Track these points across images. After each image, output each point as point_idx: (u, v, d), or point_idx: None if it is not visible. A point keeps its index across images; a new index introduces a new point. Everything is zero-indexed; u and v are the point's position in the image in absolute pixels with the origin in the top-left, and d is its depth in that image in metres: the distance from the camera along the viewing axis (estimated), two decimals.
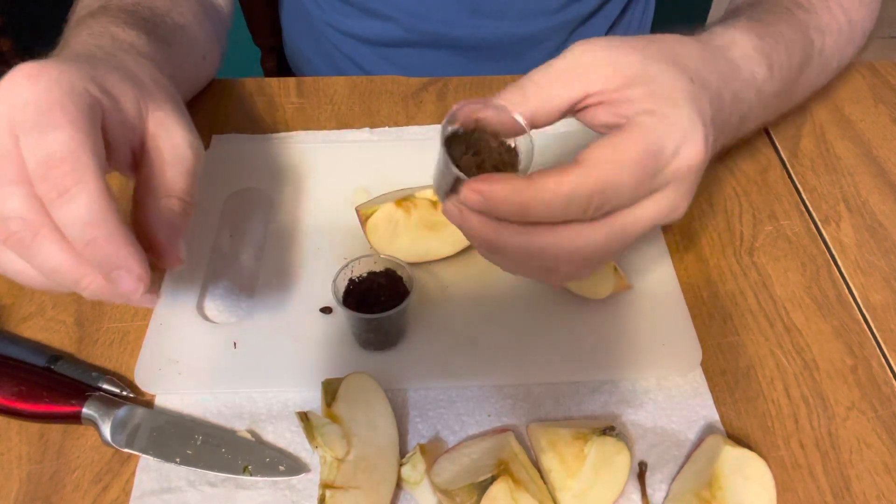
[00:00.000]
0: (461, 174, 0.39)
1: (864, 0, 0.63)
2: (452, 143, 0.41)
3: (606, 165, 0.38)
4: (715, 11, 1.91)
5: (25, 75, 0.37)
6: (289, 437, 0.48)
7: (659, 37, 0.44)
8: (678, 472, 0.46)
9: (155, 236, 0.41)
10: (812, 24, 0.57)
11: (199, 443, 0.47)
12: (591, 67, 0.40)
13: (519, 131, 0.41)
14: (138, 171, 0.43)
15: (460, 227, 0.40)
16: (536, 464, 0.46)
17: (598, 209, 0.38)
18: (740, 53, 0.49)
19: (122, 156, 0.42)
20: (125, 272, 0.37)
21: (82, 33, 0.50)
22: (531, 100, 0.40)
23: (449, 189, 0.41)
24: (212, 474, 0.46)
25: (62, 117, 0.36)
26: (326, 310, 0.54)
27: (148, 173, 0.42)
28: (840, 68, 0.65)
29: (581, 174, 0.37)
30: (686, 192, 0.41)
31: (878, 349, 0.53)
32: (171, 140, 0.42)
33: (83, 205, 0.36)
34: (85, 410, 0.47)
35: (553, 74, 0.40)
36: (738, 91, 0.47)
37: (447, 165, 0.40)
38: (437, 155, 0.41)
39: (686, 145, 0.40)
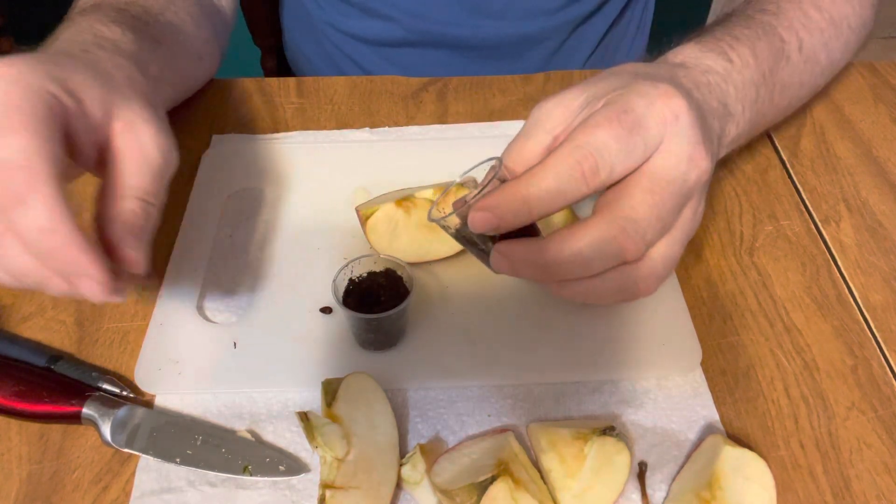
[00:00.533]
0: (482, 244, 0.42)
1: None
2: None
3: (581, 129, 0.39)
4: (714, 11, 1.92)
5: None
6: (289, 437, 0.48)
7: (609, 70, 0.47)
8: (678, 472, 0.46)
9: (112, 238, 0.40)
10: (782, 25, 0.57)
11: (199, 443, 0.47)
12: (545, 116, 0.43)
13: None
14: (103, 171, 0.42)
15: (519, 276, 0.42)
16: (536, 464, 0.46)
17: (593, 174, 0.38)
18: (686, 56, 0.50)
19: (87, 156, 0.41)
20: (85, 278, 0.37)
21: (68, 30, 0.50)
22: (510, 168, 0.43)
23: (485, 250, 0.43)
24: (212, 474, 0.46)
25: (18, 121, 0.36)
26: (326, 310, 0.54)
27: (112, 173, 0.41)
28: (835, 64, 0.65)
29: (561, 148, 0.38)
30: (685, 142, 0.40)
31: (878, 349, 0.53)
32: (137, 140, 0.41)
33: (38, 213, 0.35)
34: (85, 410, 0.47)
35: (522, 139, 0.43)
36: (698, 80, 0.48)
37: (477, 242, 0.43)
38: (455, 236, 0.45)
39: (657, 100, 0.39)
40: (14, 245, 0.37)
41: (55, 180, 0.36)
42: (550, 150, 0.41)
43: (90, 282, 0.37)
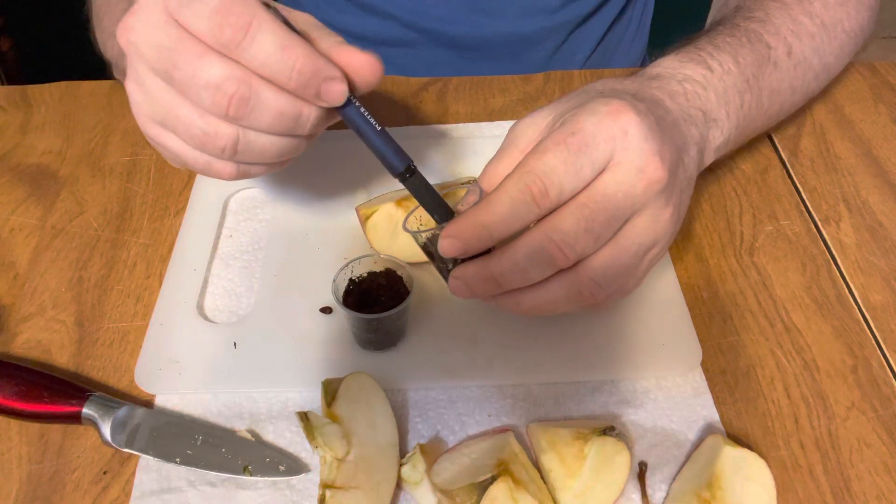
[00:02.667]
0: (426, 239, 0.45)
1: (836, 2, 0.63)
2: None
3: (531, 154, 0.41)
4: (714, 11, 1.91)
5: None
6: (289, 437, 0.48)
7: (581, 88, 0.49)
8: (678, 472, 0.46)
9: (346, 54, 0.40)
10: (768, 31, 0.58)
11: (199, 443, 0.47)
12: (519, 136, 0.46)
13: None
14: None
15: (475, 296, 0.44)
16: (536, 464, 0.46)
17: (543, 196, 0.40)
18: (663, 68, 0.52)
19: None
20: (333, 81, 0.39)
21: None
22: (485, 188, 0.46)
23: (446, 267, 0.46)
24: (212, 474, 0.46)
25: None
26: (326, 310, 0.54)
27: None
28: (830, 68, 0.65)
29: (513, 174, 0.41)
30: (634, 156, 0.41)
31: (878, 349, 0.53)
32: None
33: (270, 33, 0.37)
34: (85, 410, 0.47)
35: (497, 159, 0.46)
36: (672, 89, 0.50)
37: (446, 261, 0.46)
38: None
39: (606, 118, 0.41)
40: (266, 87, 0.38)
41: (264, 7, 0.37)
42: None
43: (338, 84, 0.39)
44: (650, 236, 0.43)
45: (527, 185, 0.40)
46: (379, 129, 0.42)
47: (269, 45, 0.37)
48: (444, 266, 0.46)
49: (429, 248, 0.46)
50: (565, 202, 0.42)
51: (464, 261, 0.44)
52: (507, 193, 0.41)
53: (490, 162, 0.47)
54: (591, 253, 0.42)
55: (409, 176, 0.43)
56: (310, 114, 0.40)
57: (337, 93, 0.39)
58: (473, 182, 0.47)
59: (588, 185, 0.41)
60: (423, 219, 0.48)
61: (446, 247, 0.42)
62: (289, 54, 0.37)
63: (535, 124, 0.46)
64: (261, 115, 0.39)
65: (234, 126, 0.39)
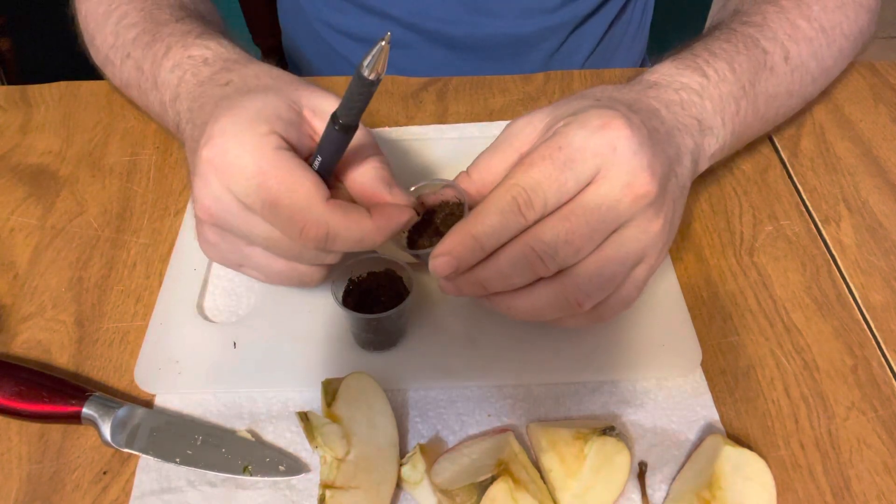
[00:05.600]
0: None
1: (835, 5, 0.63)
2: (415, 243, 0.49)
3: (519, 167, 0.43)
4: (714, 11, 1.91)
5: (218, 150, 0.43)
6: (289, 437, 0.48)
7: (583, 91, 0.50)
8: (678, 472, 0.46)
9: (380, 195, 0.45)
10: (765, 36, 0.58)
11: (199, 443, 0.47)
12: (515, 134, 0.47)
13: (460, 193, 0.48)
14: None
15: (465, 295, 0.46)
16: (536, 464, 0.46)
17: (528, 207, 0.41)
18: (660, 75, 0.52)
19: (308, 146, 0.46)
20: (399, 213, 0.45)
21: (183, 79, 0.53)
22: (473, 177, 0.47)
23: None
24: (212, 474, 0.46)
25: (277, 183, 0.42)
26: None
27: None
28: (828, 71, 0.65)
29: (500, 187, 0.43)
30: (622, 171, 0.42)
31: (878, 349, 0.53)
32: (323, 115, 0.46)
33: (345, 238, 0.43)
34: (85, 410, 0.47)
35: (490, 153, 0.47)
36: (669, 98, 0.50)
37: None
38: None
39: (596, 132, 0.42)
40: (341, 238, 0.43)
41: (328, 205, 0.43)
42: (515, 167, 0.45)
43: (403, 214, 0.45)
44: (637, 247, 0.44)
45: (513, 197, 0.42)
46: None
47: (348, 244, 0.44)
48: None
49: (422, 257, 0.48)
50: (550, 213, 0.43)
51: None
52: (495, 205, 0.42)
53: (482, 154, 0.47)
54: (575, 262, 0.43)
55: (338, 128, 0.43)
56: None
57: (405, 218, 0.45)
58: (451, 185, 0.48)
59: (572, 198, 0.43)
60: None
61: (438, 266, 0.43)
62: (367, 239, 0.43)
63: (532, 124, 0.46)
64: (336, 244, 0.44)
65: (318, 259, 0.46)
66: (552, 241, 0.42)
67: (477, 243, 0.42)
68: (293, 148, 0.44)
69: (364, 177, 0.46)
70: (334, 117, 0.42)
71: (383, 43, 0.38)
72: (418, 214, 0.47)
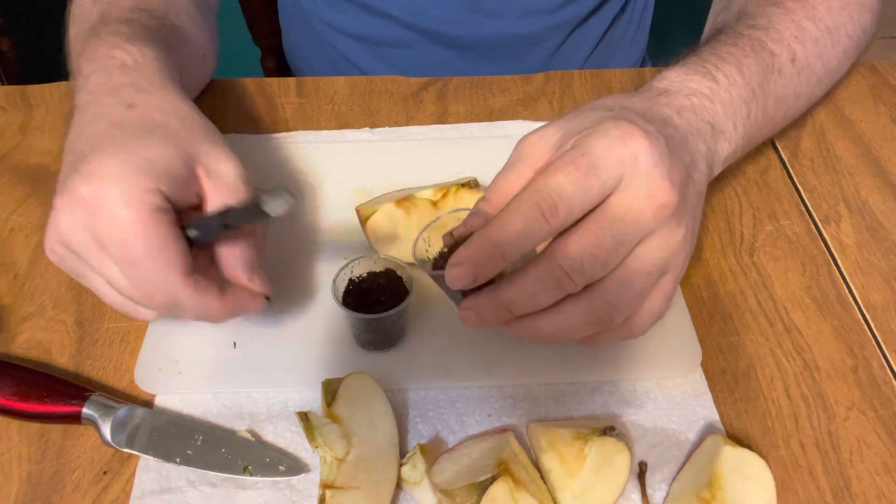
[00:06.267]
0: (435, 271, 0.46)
1: (840, 6, 0.63)
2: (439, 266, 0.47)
3: (541, 174, 0.42)
4: (714, 11, 1.91)
5: (79, 199, 0.42)
6: (289, 437, 0.48)
7: (593, 101, 0.49)
8: (678, 472, 0.46)
9: (240, 278, 0.47)
10: (772, 39, 0.58)
11: (199, 443, 0.47)
12: (528, 151, 0.45)
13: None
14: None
15: (487, 325, 0.45)
16: (536, 464, 0.46)
17: (552, 213, 0.41)
18: (670, 82, 0.52)
19: (190, 202, 0.46)
20: (251, 302, 0.47)
21: (94, 72, 0.50)
22: (493, 202, 0.45)
23: (456, 296, 0.46)
24: (212, 474, 0.46)
25: (144, 249, 0.42)
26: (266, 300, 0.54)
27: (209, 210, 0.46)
28: (833, 72, 0.65)
29: (522, 193, 0.42)
30: (644, 181, 0.42)
31: (878, 349, 0.53)
32: (222, 179, 0.46)
33: (193, 307, 0.44)
34: (85, 410, 0.47)
35: (506, 173, 0.46)
36: (680, 104, 0.50)
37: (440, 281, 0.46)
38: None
39: (617, 141, 0.42)
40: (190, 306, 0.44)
41: (183, 279, 0.43)
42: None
43: (255, 303, 0.47)
44: (663, 257, 0.43)
45: (536, 202, 0.41)
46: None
47: (192, 316, 0.45)
48: (456, 295, 0.46)
49: (438, 278, 0.47)
50: (574, 224, 0.42)
51: (473, 291, 0.44)
52: (518, 211, 0.41)
53: (498, 176, 0.46)
54: (602, 276, 0.42)
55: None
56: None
57: (257, 306, 0.47)
58: (475, 206, 0.47)
59: (596, 207, 0.42)
60: (430, 240, 0.48)
61: (455, 276, 0.42)
62: (212, 317, 0.45)
63: (544, 140, 0.45)
64: (180, 313, 0.45)
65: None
66: (578, 256, 0.41)
67: (498, 250, 0.41)
68: (174, 204, 0.44)
69: (231, 258, 0.46)
70: (223, 216, 0.44)
71: (287, 196, 0.42)
72: (445, 248, 0.46)
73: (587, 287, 0.42)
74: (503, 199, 0.44)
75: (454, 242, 0.46)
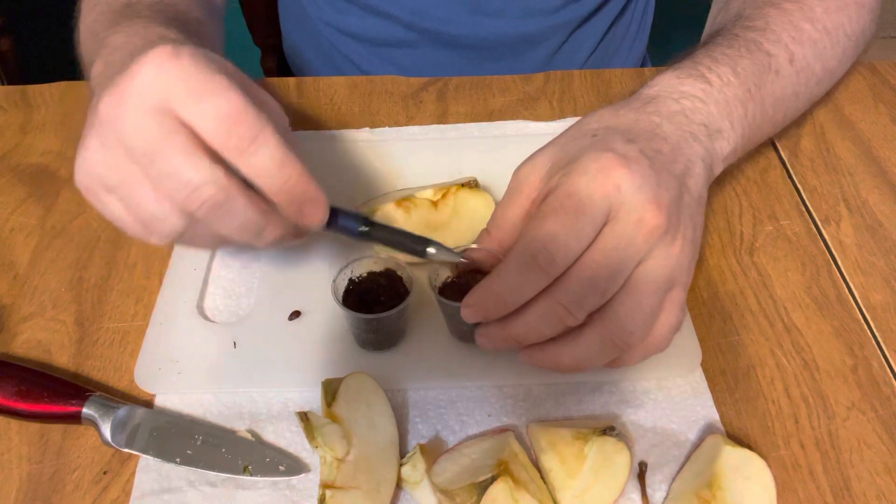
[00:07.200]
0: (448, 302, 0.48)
1: (837, 7, 0.63)
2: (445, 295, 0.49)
3: (532, 222, 0.43)
4: (714, 12, 1.91)
5: (165, 55, 0.38)
6: (289, 437, 0.48)
7: (582, 118, 0.50)
8: (678, 472, 0.46)
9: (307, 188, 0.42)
10: (768, 39, 0.58)
11: (199, 443, 0.47)
12: (522, 182, 0.47)
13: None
14: None
15: (503, 350, 0.47)
16: (536, 464, 0.46)
17: (549, 263, 0.42)
18: (660, 87, 0.52)
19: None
20: (315, 204, 0.41)
21: (132, 36, 0.49)
22: (495, 234, 0.47)
23: (466, 328, 0.48)
24: (212, 474, 0.46)
25: (219, 85, 0.38)
26: (295, 315, 0.54)
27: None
28: (833, 72, 0.65)
29: (518, 244, 0.43)
30: (630, 208, 0.42)
31: (878, 349, 0.53)
32: (268, 105, 0.43)
33: (273, 148, 0.39)
34: (85, 410, 0.47)
35: (503, 206, 0.47)
36: (670, 109, 0.50)
37: (449, 312, 0.49)
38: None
39: (597, 175, 0.43)
40: (243, 199, 0.39)
41: (271, 122, 0.39)
42: (530, 214, 0.46)
43: (318, 207, 0.42)
44: (664, 274, 0.44)
45: (532, 255, 0.42)
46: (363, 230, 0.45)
47: (269, 159, 0.39)
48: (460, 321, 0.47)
49: (443, 304, 0.49)
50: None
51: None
52: (515, 264, 0.43)
53: (497, 210, 0.48)
54: (603, 303, 0.43)
55: (369, 229, 0.45)
56: (272, 233, 0.41)
57: (316, 215, 0.42)
58: (470, 249, 0.49)
59: (591, 243, 0.43)
60: (438, 269, 0.50)
61: (468, 315, 0.44)
62: (285, 171, 0.39)
63: (536, 169, 0.47)
64: (225, 222, 0.40)
65: (186, 219, 0.40)
66: (576, 291, 0.42)
67: (501, 300, 0.43)
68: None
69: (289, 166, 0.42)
70: (360, 219, 0.45)
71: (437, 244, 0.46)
72: (451, 277, 0.50)
73: (598, 313, 0.43)
74: (504, 231, 0.47)
75: (459, 272, 0.50)
